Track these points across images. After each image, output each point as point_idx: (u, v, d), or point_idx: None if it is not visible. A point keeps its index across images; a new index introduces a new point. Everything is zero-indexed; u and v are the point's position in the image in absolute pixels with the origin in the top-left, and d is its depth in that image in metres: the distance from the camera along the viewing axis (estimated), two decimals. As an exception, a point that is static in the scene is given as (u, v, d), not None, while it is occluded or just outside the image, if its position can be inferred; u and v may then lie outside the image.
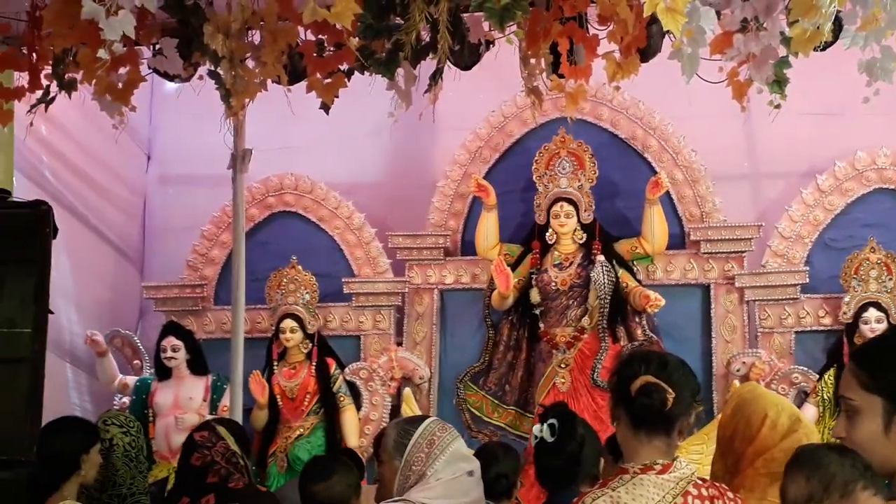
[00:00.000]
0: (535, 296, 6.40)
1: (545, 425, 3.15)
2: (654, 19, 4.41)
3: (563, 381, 6.20)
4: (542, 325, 6.41)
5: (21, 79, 4.60)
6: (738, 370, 6.23)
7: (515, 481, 3.70)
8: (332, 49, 4.41)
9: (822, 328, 6.36)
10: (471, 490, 2.80)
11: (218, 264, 7.08)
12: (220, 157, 5.56)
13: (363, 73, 4.70)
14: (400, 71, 4.49)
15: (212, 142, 5.54)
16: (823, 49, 4.48)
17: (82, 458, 3.55)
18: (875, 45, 3.81)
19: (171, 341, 6.33)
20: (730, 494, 2.37)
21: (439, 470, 2.76)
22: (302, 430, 6.30)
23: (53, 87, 4.57)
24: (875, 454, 1.80)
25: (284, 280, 6.55)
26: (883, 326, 5.89)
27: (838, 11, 3.86)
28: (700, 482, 2.36)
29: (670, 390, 2.34)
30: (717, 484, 2.40)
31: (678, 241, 6.61)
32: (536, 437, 3.20)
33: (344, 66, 4.56)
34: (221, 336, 6.63)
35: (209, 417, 3.96)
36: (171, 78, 5.10)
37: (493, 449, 3.80)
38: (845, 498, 1.81)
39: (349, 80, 4.67)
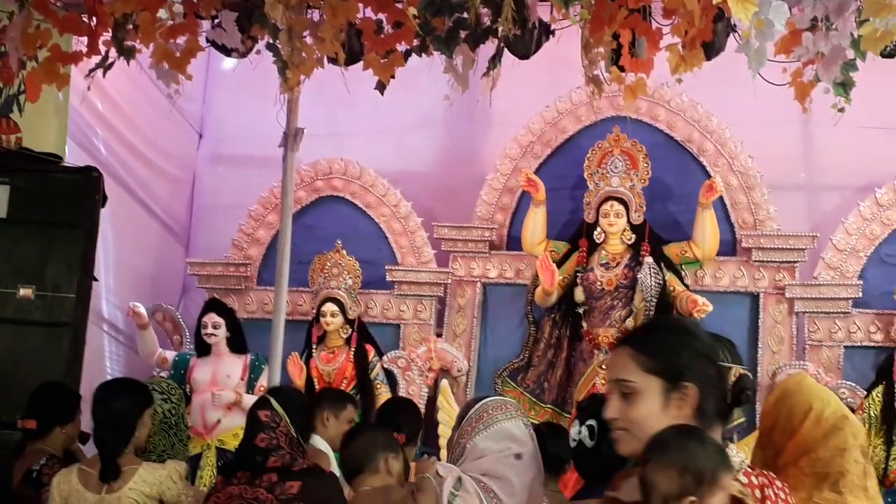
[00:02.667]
0: (579, 294, 6.32)
1: (584, 427, 3.05)
2: (720, 16, 4.38)
3: (603, 382, 6.10)
4: (584, 324, 6.33)
5: (80, 44, 4.62)
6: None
7: (567, 459, 3.59)
8: (391, 27, 4.37)
9: (872, 344, 6.21)
10: (519, 472, 2.73)
11: (263, 245, 7.08)
12: (271, 138, 5.60)
13: (420, 56, 4.67)
14: (458, 56, 4.47)
15: (264, 122, 5.58)
16: (892, 55, 4.39)
17: (138, 421, 3.56)
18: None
19: (212, 318, 6.33)
20: (778, 483, 2.28)
21: (481, 444, 2.72)
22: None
23: (112, 54, 4.58)
24: (652, 431, 1.95)
25: (328, 264, 6.53)
26: (936, 346, 5.74)
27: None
28: (750, 470, 2.29)
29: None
30: (767, 472, 2.32)
31: (729, 247, 6.49)
32: (575, 440, 3.10)
33: (402, 47, 4.53)
34: (262, 316, 6.62)
35: (267, 392, 3.91)
36: (228, 52, 5.09)
37: (540, 429, 3.73)
38: (713, 485, 1.87)
39: (406, 62, 4.65)
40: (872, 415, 5.79)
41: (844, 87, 4.28)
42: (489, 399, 2.88)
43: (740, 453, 2.35)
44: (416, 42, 4.56)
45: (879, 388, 5.83)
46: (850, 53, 4.10)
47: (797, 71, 4.35)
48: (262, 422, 3.38)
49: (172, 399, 3.82)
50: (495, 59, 4.28)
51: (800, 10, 3.90)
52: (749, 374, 2.28)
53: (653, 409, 1.99)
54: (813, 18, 3.92)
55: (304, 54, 4.55)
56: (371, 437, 3.36)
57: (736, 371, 2.27)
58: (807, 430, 2.52)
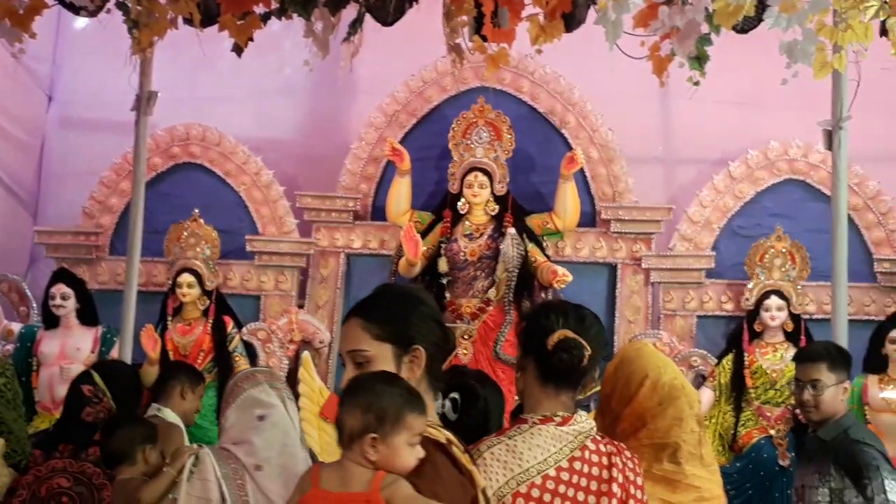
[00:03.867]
0: (443, 265, 6.32)
1: (447, 401, 3.04)
2: (580, -12, 4.40)
3: (465, 352, 6.14)
4: (448, 294, 6.32)
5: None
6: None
7: None
8: (248, -12, 4.23)
9: (723, 313, 6.41)
10: (261, 432, 2.87)
11: (116, 213, 6.81)
12: (125, 102, 5.39)
13: (280, 19, 4.55)
14: (318, 20, 4.37)
15: (117, 85, 5.35)
16: (745, 31, 4.50)
17: None
18: (797, 28, 3.79)
19: (60, 289, 6.09)
20: (627, 453, 2.32)
21: (231, 416, 2.90)
22: (195, 388, 6.10)
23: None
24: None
25: (185, 233, 6.34)
26: (783, 315, 5.97)
27: (763, -8, 3.88)
28: (599, 438, 2.32)
29: (587, 346, 2.28)
30: (617, 443, 2.34)
31: (589, 219, 6.59)
32: (438, 414, 3.08)
33: (261, 9, 4.39)
34: (115, 287, 6.39)
35: (92, 366, 3.85)
36: (76, 10, 4.87)
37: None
38: (397, 424, 1.95)
39: (265, 25, 4.51)
40: (722, 382, 6.00)
41: (699, 61, 4.37)
42: (241, 372, 3.00)
43: (590, 421, 2.37)
44: (275, 5, 4.44)
45: (729, 357, 6.04)
46: (706, 28, 4.18)
47: (655, 45, 4.41)
48: (85, 396, 3.36)
49: (6, 374, 3.64)
50: (356, 25, 4.18)
51: (657, -16, 3.94)
52: (576, 338, 2.29)
53: None
54: (669, -7, 3.98)
55: (156, 14, 4.37)
56: (130, 430, 3.39)
57: (558, 334, 2.29)
58: (643, 398, 2.56)
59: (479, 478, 2.06)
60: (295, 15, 4.26)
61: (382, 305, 2.14)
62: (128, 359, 5.15)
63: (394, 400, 1.96)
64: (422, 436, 1.98)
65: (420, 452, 1.96)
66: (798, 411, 5.60)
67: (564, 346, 2.29)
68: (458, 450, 2.02)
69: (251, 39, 4.50)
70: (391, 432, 1.94)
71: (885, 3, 3.46)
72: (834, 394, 3.48)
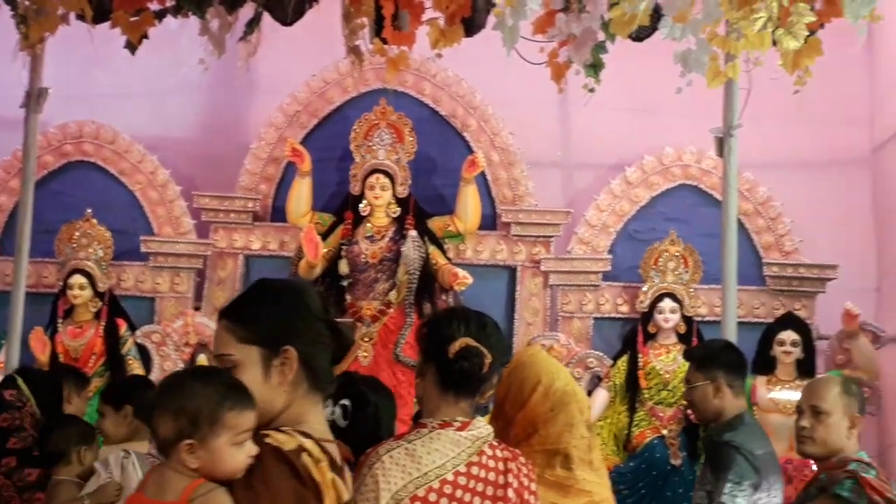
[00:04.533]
0: (343, 267, 6.28)
1: (337, 407, 3.00)
2: (480, -8, 4.43)
3: (365, 354, 6.12)
4: (348, 297, 6.29)
5: None
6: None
7: None
8: (141, -16, 4.14)
9: (619, 315, 6.53)
10: None
11: (4, 212, 6.59)
12: (15, 99, 5.23)
13: (176, 16, 4.46)
14: (215, 18, 4.30)
15: (6, 81, 5.18)
16: (640, 39, 4.60)
17: None
18: (691, 37, 3.88)
19: (-56, 290, 5.85)
20: (522, 459, 2.35)
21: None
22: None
23: None
24: (265, 402, 1.87)
25: (76, 233, 6.19)
26: (676, 317, 6.11)
27: (658, 2, 3.97)
28: (495, 443, 2.35)
29: (488, 355, 2.30)
30: (513, 449, 2.37)
31: (490, 222, 6.63)
32: (327, 421, 3.02)
33: (155, 6, 4.31)
34: (2, 288, 6.15)
35: (15, 371, 3.77)
36: (-40, 3, 4.67)
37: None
38: (215, 425, 1.79)
39: (160, 22, 4.42)
40: (617, 383, 6.11)
41: (595, 68, 4.45)
42: None
43: (488, 426, 2.39)
44: (170, 2, 4.36)
45: (624, 358, 6.15)
46: (602, 36, 4.25)
47: (553, 51, 4.47)
48: (6, 401, 3.26)
49: None
50: (252, 24, 4.12)
51: (554, -9, 4.00)
52: (477, 346, 2.31)
53: (256, 379, 1.89)
54: (566, -1, 4.03)
55: (46, 9, 4.25)
56: (66, 430, 3.36)
57: (460, 342, 2.31)
58: (535, 403, 2.60)
59: (342, 490, 1.88)
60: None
61: (251, 304, 1.97)
62: (16, 362, 5.00)
63: (208, 399, 1.79)
64: (250, 433, 1.82)
65: (252, 450, 1.80)
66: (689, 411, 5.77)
67: (465, 355, 2.31)
68: (309, 459, 1.84)
69: (146, 37, 4.42)
70: (209, 435, 1.78)
71: (772, 15, 3.57)
72: (702, 393, 3.44)
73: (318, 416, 1.97)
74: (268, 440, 1.82)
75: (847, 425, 3.13)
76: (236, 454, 1.78)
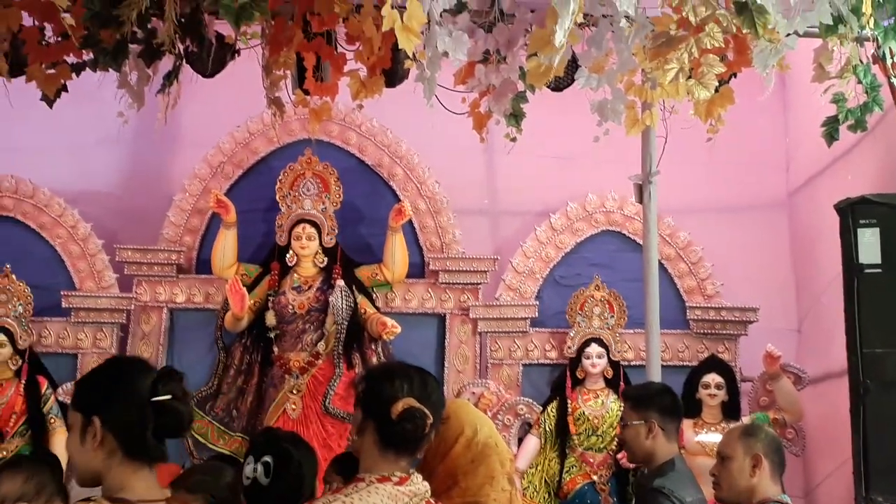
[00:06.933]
0: (270, 318, 6.22)
1: (259, 464, 2.91)
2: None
3: (294, 407, 6.05)
4: (276, 349, 6.23)
5: None
6: (467, 400, 6.30)
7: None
8: (58, 38, 4.08)
9: (548, 361, 6.56)
10: None
11: (-81, 268, 6.40)
12: (-70, 152, 5.10)
13: (95, 70, 4.41)
14: (134, 71, 4.26)
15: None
16: (559, 89, 4.68)
17: None
18: (607, 87, 3.96)
19: None
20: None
21: None
22: (5, 453, 5.76)
23: None
24: (80, 464, 2.10)
25: (-5, 290, 6.02)
26: (603, 361, 6.15)
27: (575, 53, 4.04)
28: (432, 501, 2.33)
29: (430, 415, 2.28)
30: None
31: (418, 270, 6.64)
32: (249, 479, 2.89)
33: (72, 59, 4.25)
34: (-85, 348, 5.97)
35: None
36: None
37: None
38: (50, 500, 2.03)
39: (78, 76, 4.37)
40: (547, 429, 6.12)
41: (516, 118, 4.51)
42: None
43: (426, 483, 2.37)
44: (88, 55, 4.31)
45: (554, 404, 6.17)
46: (521, 86, 4.32)
47: (474, 101, 4.52)
48: None
49: None
50: (171, 76, 4.10)
51: (473, 43, 4.05)
52: (421, 408, 2.29)
53: (74, 442, 2.10)
54: (485, 51, 4.09)
55: (-40, 62, 4.17)
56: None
57: (403, 403, 2.29)
58: (457, 454, 2.59)
59: None
60: (108, 66, 4.14)
61: (86, 375, 2.18)
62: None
63: (55, 475, 1.95)
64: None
65: None
66: (619, 455, 5.80)
67: (408, 416, 2.29)
68: None
69: (65, 90, 4.36)
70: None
71: (683, 66, 3.66)
72: (635, 433, 3.45)
73: (141, 482, 2.09)
74: None
75: (750, 465, 3.16)
76: None
